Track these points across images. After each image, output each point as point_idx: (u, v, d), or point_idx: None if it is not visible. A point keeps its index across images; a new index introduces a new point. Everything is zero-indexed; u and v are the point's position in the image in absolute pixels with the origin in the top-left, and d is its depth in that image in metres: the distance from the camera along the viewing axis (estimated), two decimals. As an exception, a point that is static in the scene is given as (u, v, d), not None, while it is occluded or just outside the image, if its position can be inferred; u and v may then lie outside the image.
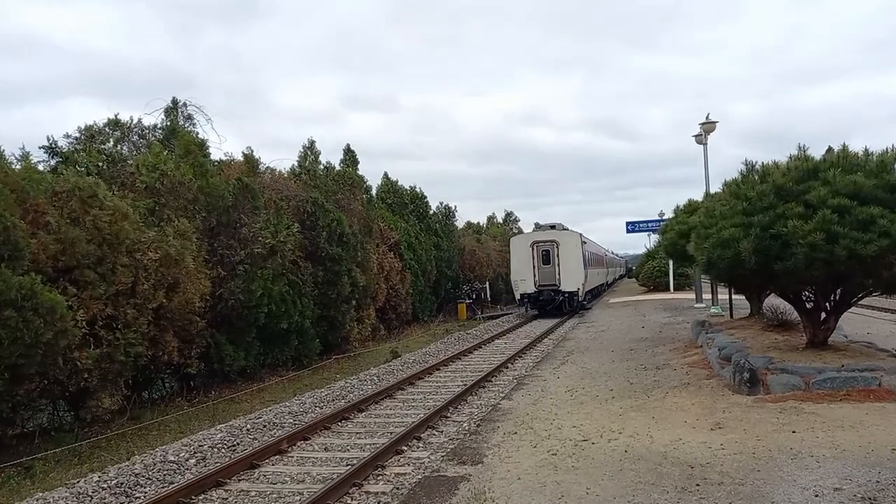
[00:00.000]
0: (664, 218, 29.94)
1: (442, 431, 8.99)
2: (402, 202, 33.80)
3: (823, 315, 9.53)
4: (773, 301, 13.47)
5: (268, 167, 21.93)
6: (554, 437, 7.27)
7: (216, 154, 19.58)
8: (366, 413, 10.62)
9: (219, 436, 9.41)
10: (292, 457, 8.21)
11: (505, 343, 19.92)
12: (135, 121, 18.78)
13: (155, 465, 8.06)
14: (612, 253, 63.05)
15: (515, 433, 7.67)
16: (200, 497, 6.79)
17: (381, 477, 7.11)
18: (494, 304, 40.58)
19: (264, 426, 10.09)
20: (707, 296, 23.83)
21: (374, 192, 32.32)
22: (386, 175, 34.67)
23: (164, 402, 14.10)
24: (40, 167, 13.96)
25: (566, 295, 28.18)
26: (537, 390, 10.45)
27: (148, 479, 7.64)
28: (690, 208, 14.32)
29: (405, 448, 8.10)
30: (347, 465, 7.42)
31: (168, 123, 19.31)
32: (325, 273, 19.67)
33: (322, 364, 18.43)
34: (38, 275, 9.95)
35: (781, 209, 8.33)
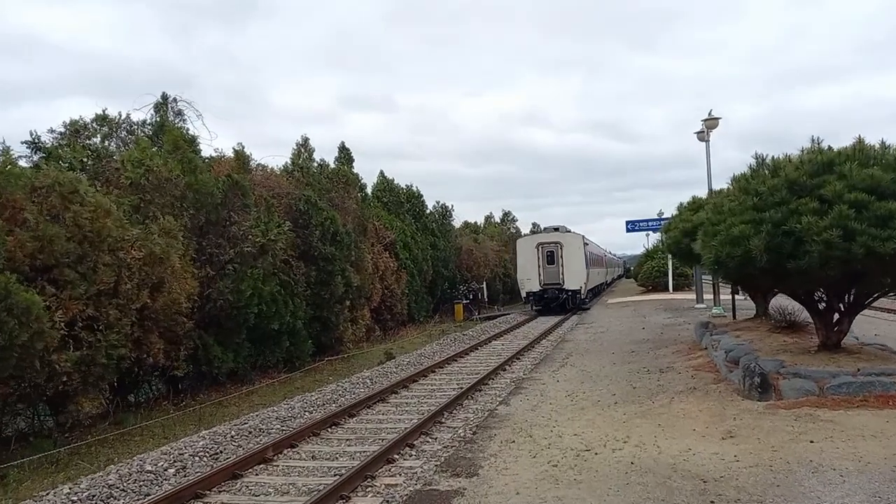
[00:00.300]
0: (664, 217, 29.66)
1: (436, 438, 8.53)
2: (399, 201, 33.35)
3: (836, 316, 9.11)
4: (780, 301, 13.04)
5: (259, 164, 21.47)
6: (554, 447, 6.84)
7: (207, 151, 19.03)
8: (357, 418, 10.18)
9: (201, 443, 8.94)
10: (277, 466, 7.75)
11: (502, 344, 19.48)
12: (123, 116, 18.25)
13: (131, 475, 7.59)
14: (611, 254, 63.25)
15: (513, 441, 7.25)
16: (177, 511, 6.34)
17: (370, 489, 6.66)
18: (492, 304, 40.08)
19: (250, 432, 9.62)
20: (708, 296, 23.47)
21: (370, 190, 31.88)
22: (382, 173, 34.28)
23: (150, 405, 13.62)
24: (22, 162, 13.44)
25: (569, 293, 29.56)
26: (536, 395, 10.04)
27: (122, 490, 7.17)
28: (695, 205, 13.85)
29: (397, 457, 7.65)
30: (335, 476, 6.97)
31: (157, 119, 18.76)
32: (318, 273, 19.21)
33: (314, 366, 17.96)
34: (14, 274, 9.50)
35: (795, 204, 7.89)
